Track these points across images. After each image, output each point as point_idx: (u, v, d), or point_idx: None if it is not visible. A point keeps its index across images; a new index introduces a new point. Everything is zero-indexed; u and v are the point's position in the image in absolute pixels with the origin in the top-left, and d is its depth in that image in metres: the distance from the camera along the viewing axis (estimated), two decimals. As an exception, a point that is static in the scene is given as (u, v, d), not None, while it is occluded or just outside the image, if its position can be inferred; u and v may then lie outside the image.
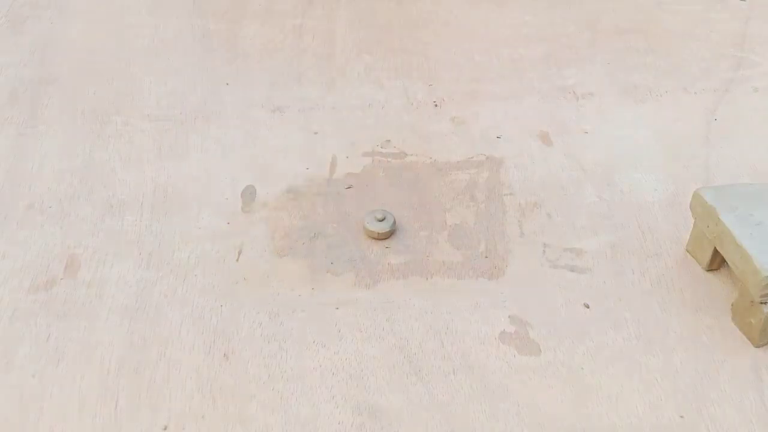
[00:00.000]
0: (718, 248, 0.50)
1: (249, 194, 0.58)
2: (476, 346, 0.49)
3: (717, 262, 0.52)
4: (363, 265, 0.53)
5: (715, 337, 0.50)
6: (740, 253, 0.48)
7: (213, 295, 0.51)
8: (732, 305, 0.50)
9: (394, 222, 0.55)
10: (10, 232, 0.55)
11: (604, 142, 0.63)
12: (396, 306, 0.51)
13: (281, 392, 0.46)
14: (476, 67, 0.70)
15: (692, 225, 0.53)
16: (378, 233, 0.54)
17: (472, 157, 0.61)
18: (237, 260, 0.53)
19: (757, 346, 0.49)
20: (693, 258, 0.54)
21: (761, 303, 0.47)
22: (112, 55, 0.71)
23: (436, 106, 0.66)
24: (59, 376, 0.47)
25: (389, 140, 0.62)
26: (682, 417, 0.45)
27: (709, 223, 0.50)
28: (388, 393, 0.46)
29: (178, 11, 0.76)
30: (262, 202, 0.58)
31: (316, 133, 0.63)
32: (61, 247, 0.54)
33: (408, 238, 0.55)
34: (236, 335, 0.49)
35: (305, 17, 0.70)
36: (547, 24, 0.75)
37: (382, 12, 0.76)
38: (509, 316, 0.50)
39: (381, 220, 0.55)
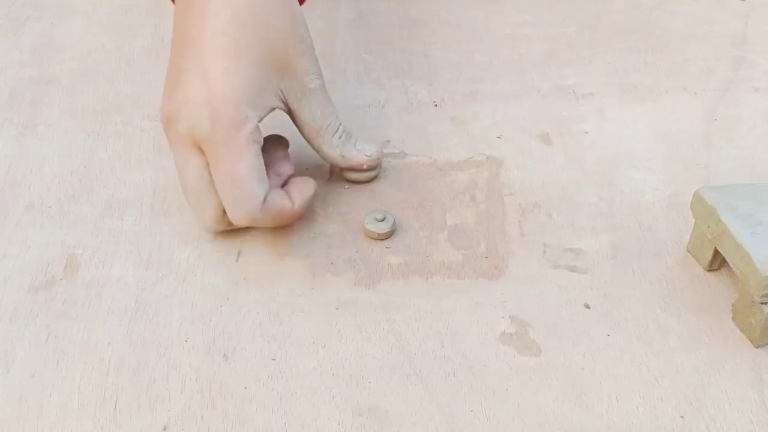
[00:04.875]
0: (718, 248, 0.50)
1: (249, 194, 0.58)
2: (476, 346, 0.49)
3: (717, 262, 0.52)
4: (363, 265, 0.53)
5: (715, 337, 0.49)
6: (740, 253, 0.48)
7: (213, 295, 0.51)
8: (732, 305, 0.50)
9: (394, 222, 0.55)
10: (10, 232, 0.55)
11: (604, 142, 0.63)
12: (396, 306, 0.51)
13: (281, 392, 0.46)
14: (476, 67, 0.70)
15: (693, 225, 0.53)
16: (378, 233, 0.54)
17: (472, 157, 0.61)
18: (237, 260, 0.53)
19: (757, 346, 0.49)
20: (693, 258, 0.53)
21: (761, 303, 0.47)
22: (112, 55, 0.71)
23: (436, 106, 0.66)
24: (59, 376, 0.47)
25: (389, 140, 0.62)
26: (682, 417, 0.45)
27: (709, 223, 0.50)
28: (388, 393, 0.46)
29: (178, 11, 0.76)
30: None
31: (316, 133, 0.63)
32: (61, 247, 0.54)
33: (408, 238, 0.55)
34: (236, 335, 0.49)
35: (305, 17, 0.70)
36: (547, 24, 0.75)
37: (382, 12, 0.76)
38: (509, 317, 0.50)
39: (381, 221, 0.55)
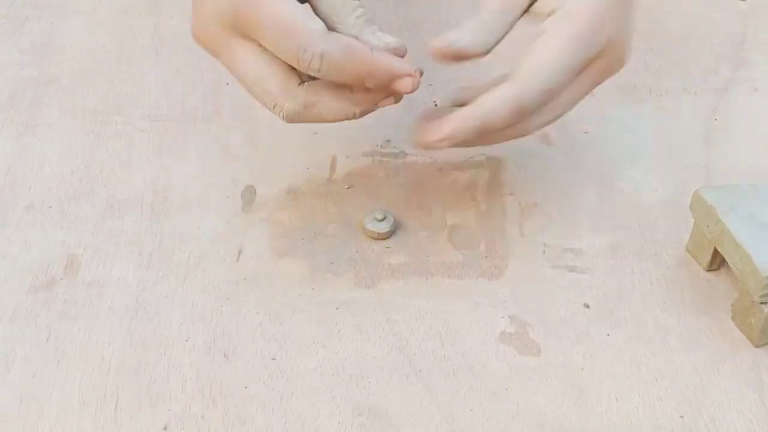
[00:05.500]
0: (718, 248, 0.50)
1: (249, 194, 0.58)
2: (476, 346, 0.49)
3: (717, 262, 0.52)
4: (363, 265, 0.53)
5: (715, 337, 0.50)
6: (740, 253, 0.48)
7: (213, 295, 0.51)
8: (732, 305, 0.50)
9: (394, 222, 0.55)
10: (10, 232, 0.55)
11: (604, 142, 0.63)
12: (396, 306, 0.51)
13: (281, 392, 0.46)
14: (476, 67, 0.70)
15: (692, 225, 0.53)
16: (378, 233, 0.54)
17: (472, 157, 0.61)
18: (237, 260, 0.53)
19: (757, 346, 0.49)
20: (693, 258, 0.53)
21: (761, 303, 0.47)
22: (112, 55, 0.71)
23: (436, 106, 0.66)
24: (59, 376, 0.47)
25: (389, 140, 0.62)
26: (682, 417, 0.45)
27: (709, 223, 0.50)
28: (388, 393, 0.46)
29: (178, 11, 0.76)
30: (262, 202, 0.58)
31: (315, 133, 0.63)
32: (61, 247, 0.54)
33: (408, 238, 0.55)
34: (236, 335, 0.49)
35: None
36: (547, 24, 0.75)
37: (382, 12, 0.76)
38: (509, 316, 0.50)
39: (381, 220, 0.55)
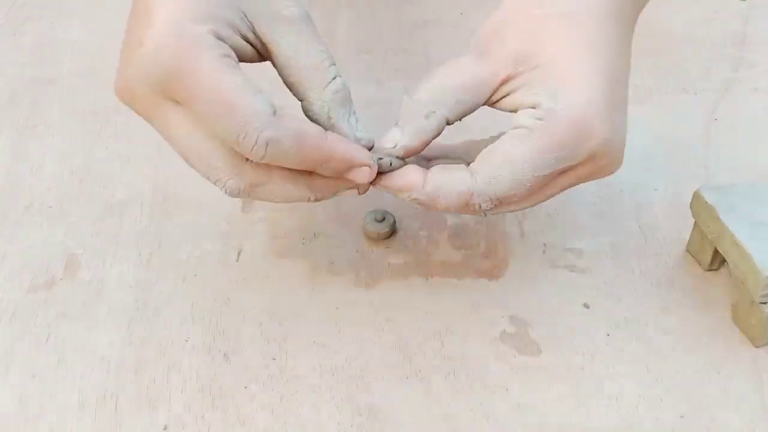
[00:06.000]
0: (718, 248, 0.50)
1: (249, 194, 0.58)
2: (476, 346, 0.49)
3: (717, 262, 0.52)
4: (363, 265, 0.53)
5: (715, 337, 0.49)
6: (740, 253, 0.48)
7: (213, 295, 0.51)
8: (732, 305, 0.50)
9: (394, 222, 0.55)
10: (10, 232, 0.55)
11: (604, 142, 0.63)
12: (396, 306, 0.51)
13: (281, 392, 0.46)
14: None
15: (693, 225, 0.53)
16: (378, 233, 0.54)
17: (472, 157, 0.61)
18: (237, 260, 0.53)
19: (757, 346, 0.49)
20: (693, 258, 0.53)
21: (761, 303, 0.47)
22: (112, 55, 0.71)
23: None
24: (59, 376, 0.47)
25: (389, 140, 0.62)
26: (682, 417, 0.45)
27: (709, 223, 0.50)
28: (388, 393, 0.46)
29: (178, 11, 0.76)
30: (262, 202, 0.58)
31: (316, 133, 0.63)
32: (61, 247, 0.54)
33: (408, 238, 0.55)
34: (236, 335, 0.49)
35: None
36: (547, 24, 0.75)
37: (382, 12, 0.76)
38: (509, 316, 0.50)
39: (381, 221, 0.55)
